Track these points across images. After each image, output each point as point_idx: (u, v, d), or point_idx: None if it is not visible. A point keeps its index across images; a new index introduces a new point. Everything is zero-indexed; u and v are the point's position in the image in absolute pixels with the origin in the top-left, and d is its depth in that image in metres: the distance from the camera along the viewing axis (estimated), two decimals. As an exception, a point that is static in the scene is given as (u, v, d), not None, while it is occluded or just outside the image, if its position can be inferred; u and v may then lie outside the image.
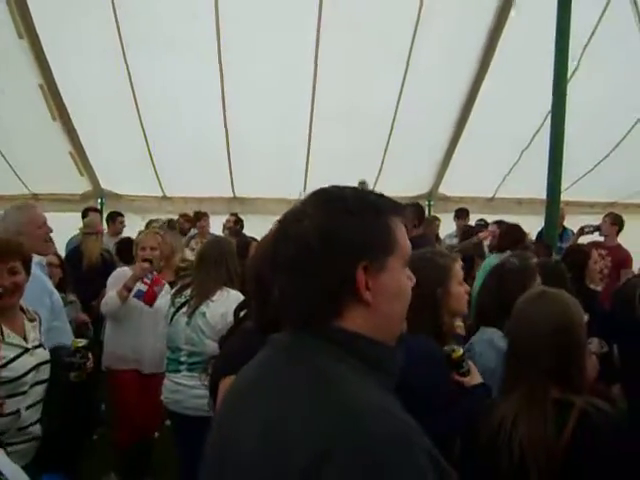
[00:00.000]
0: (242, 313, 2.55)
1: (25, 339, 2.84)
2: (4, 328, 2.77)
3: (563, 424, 1.89)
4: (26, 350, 2.80)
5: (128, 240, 6.20)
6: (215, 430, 1.25)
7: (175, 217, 8.64)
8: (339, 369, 1.09)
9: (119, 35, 7.20)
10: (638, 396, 3.59)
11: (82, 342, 3.01)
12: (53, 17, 7.04)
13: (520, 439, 1.91)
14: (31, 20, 7.02)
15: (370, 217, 1.15)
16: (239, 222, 8.66)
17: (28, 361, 2.79)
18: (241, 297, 3.73)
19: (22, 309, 2.95)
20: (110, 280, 4.67)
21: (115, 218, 8.06)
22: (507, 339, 2.18)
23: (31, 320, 2.96)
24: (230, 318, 3.49)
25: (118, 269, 4.96)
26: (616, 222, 6.61)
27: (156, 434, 5.00)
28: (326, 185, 1.22)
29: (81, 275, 6.01)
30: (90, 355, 2.98)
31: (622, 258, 6.23)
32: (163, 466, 4.61)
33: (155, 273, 4.49)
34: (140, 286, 4.40)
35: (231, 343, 2.42)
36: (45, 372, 2.88)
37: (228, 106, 8.14)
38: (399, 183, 8.90)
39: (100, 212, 8.71)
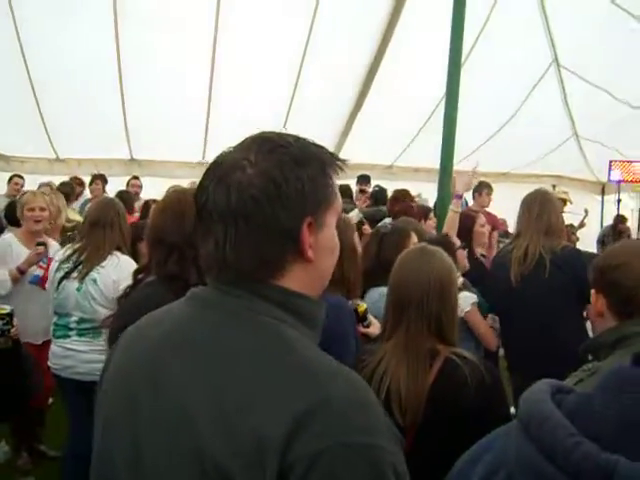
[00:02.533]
0: (140, 276, 2.56)
1: None
2: None
3: (429, 371, 2.04)
4: None
5: (16, 203, 5.95)
6: (119, 378, 1.15)
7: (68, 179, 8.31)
8: (286, 329, 1.04)
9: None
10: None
11: (6, 309, 2.96)
12: None
13: (389, 384, 2.05)
14: None
15: (316, 169, 1.08)
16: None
17: None
18: (132, 263, 3.71)
19: None
20: None
21: (11, 179, 7.75)
22: (388, 288, 2.27)
23: None
24: (122, 285, 3.42)
25: (3, 237, 4.71)
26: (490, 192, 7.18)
27: (50, 400, 4.89)
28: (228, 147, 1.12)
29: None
30: (15, 322, 2.93)
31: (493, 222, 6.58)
32: (56, 432, 4.52)
33: (48, 255, 4.35)
34: (37, 271, 4.28)
35: (131, 298, 2.42)
36: None
37: (123, 64, 7.83)
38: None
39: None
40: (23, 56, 7.53)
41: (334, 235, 1.14)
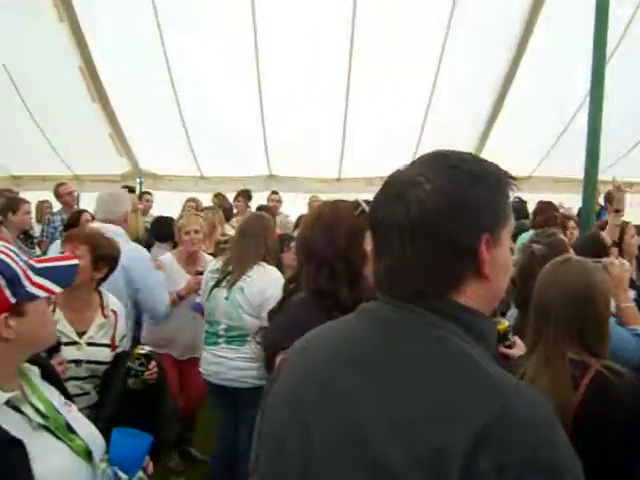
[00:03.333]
0: (291, 286, 2.53)
1: (81, 333, 2.87)
2: (62, 316, 2.82)
3: (578, 383, 1.96)
4: (74, 343, 2.83)
5: (164, 219, 6.39)
6: (287, 394, 1.17)
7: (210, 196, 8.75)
8: (464, 345, 1.02)
9: (155, 15, 7.29)
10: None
11: (144, 350, 2.89)
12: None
13: None
14: (70, 3, 7.18)
15: (492, 186, 1.07)
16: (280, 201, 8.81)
17: (71, 353, 2.79)
18: (278, 273, 3.85)
19: (102, 305, 3.00)
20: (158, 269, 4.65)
21: (142, 197, 8.31)
22: (531, 302, 2.20)
23: (104, 316, 2.99)
24: (267, 294, 3.64)
25: (163, 257, 4.92)
26: None
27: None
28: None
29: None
30: (152, 365, 2.84)
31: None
32: (206, 437, 4.76)
33: None
34: (197, 298, 4.49)
35: (284, 315, 2.37)
36: (89, 371, 2.87)
37: (263, 85, 8.16)
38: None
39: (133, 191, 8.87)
40: (172, 84, 8.11)
41: (509, 252, 1.13)
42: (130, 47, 7.58)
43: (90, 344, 2.90)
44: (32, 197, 7.53)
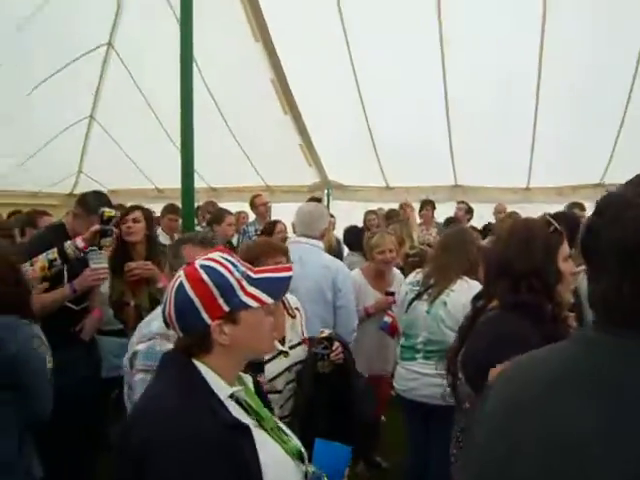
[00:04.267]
0: (479, 302, 2.56)
1: (282, 340, 2.98)
2: None
3: None
4: (280, 352, 2.94)
5: (355, 229, 6.56)
6: (502, 414, 1.15)
7: (396, 206, 8.76)
8: None
9: (343, 29, 7.46)
10: None
11: (325, 333, 3.06)
12: (283, 20, 7.53)
13: None
14: (265, 24, 7.62)
15: None
16: (470, 211, 8.65)
17: (281, 364, 2.93)
18: (480, 287, 3.74)
19: (285, 307, 3.11)
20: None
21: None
22: None
23: (292, 317, 3.12)
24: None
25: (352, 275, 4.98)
26: None
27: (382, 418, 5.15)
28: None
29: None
30: (336, 345, 3.00)
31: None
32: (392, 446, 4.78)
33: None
34: (385, 317, 4.64)
35: (486, 332, 2.37)
36: (294, 372, 3.00)
37: (450, 94, 8.02)
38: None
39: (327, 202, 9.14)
40: (360, 95, 8.24)
41: None
42: (319, 62, 7.79)
43: (291, 347, 3.02)
44: (228, 208, 8.00)
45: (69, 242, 3.67)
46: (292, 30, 7.60)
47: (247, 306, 1.70)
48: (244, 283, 1.71)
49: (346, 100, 8.28)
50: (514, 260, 2.30)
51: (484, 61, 7.28)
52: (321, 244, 4.14)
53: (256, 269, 1.79)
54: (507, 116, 8.02)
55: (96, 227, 3.68)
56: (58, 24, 7.31)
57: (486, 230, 7.05)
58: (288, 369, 2.96)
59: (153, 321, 2.55)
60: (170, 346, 1.90)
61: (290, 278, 1.80)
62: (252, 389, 1.88)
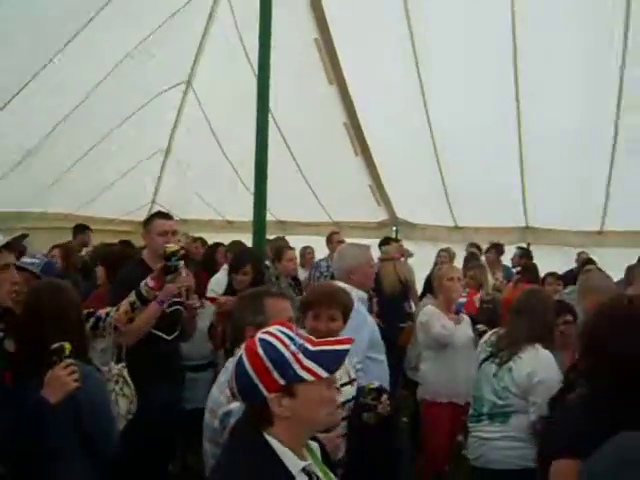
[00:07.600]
0: (571, 375, 2.54)
1: None
2: None
3: None
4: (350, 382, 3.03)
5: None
6: None
7: (464, 246, 8.72)
8: None
9: (417, 72, 7.49)
10: None
11: (373, 384, 3.06)
12: (359, 63, 7.67)
13: None
14: (339, 67, 7.74)
15: None
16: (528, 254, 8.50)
17: (348, 392, 3.00)
18: (551, 358, 3.65)
19: None
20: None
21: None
22: None
23: None
24: (537, 379, 3.53)
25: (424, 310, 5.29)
26: None
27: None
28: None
29: (383, 300, 6.77)
30: (384, 398, 2.98)
31: None
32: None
33: None
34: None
35: (566, 416, 2.25)
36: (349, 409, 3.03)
37: (524, 138, 7.93)
38: None
39: (396, 240, 9.13)
40: (431, 134, 8.24)
41: None
42: (391, 104, 7.84)
43: (342, 385, 3.01)
44: (295, 241, 8.26)
45: (143, 283, 3.83)
46: (365, 72, 7.72)
47: (303, 379, 1.71)
48: (300, 356, 1.72)
49: (418, 142, 8.28)
50: (607, 339, 2.11)
51: (559, 110, 7.19)
52: (345, 284, 3.82)
53: (316, 340, 1.80)
54: (582, 158, 7.84)
55: (160, 265, 3.84)
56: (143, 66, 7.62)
57: (568, 277, 6.89)
58: (349, 401, 2.98)
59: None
60: None
61: (348, 351, 1.79)
62: (318, 456, 1.89)
